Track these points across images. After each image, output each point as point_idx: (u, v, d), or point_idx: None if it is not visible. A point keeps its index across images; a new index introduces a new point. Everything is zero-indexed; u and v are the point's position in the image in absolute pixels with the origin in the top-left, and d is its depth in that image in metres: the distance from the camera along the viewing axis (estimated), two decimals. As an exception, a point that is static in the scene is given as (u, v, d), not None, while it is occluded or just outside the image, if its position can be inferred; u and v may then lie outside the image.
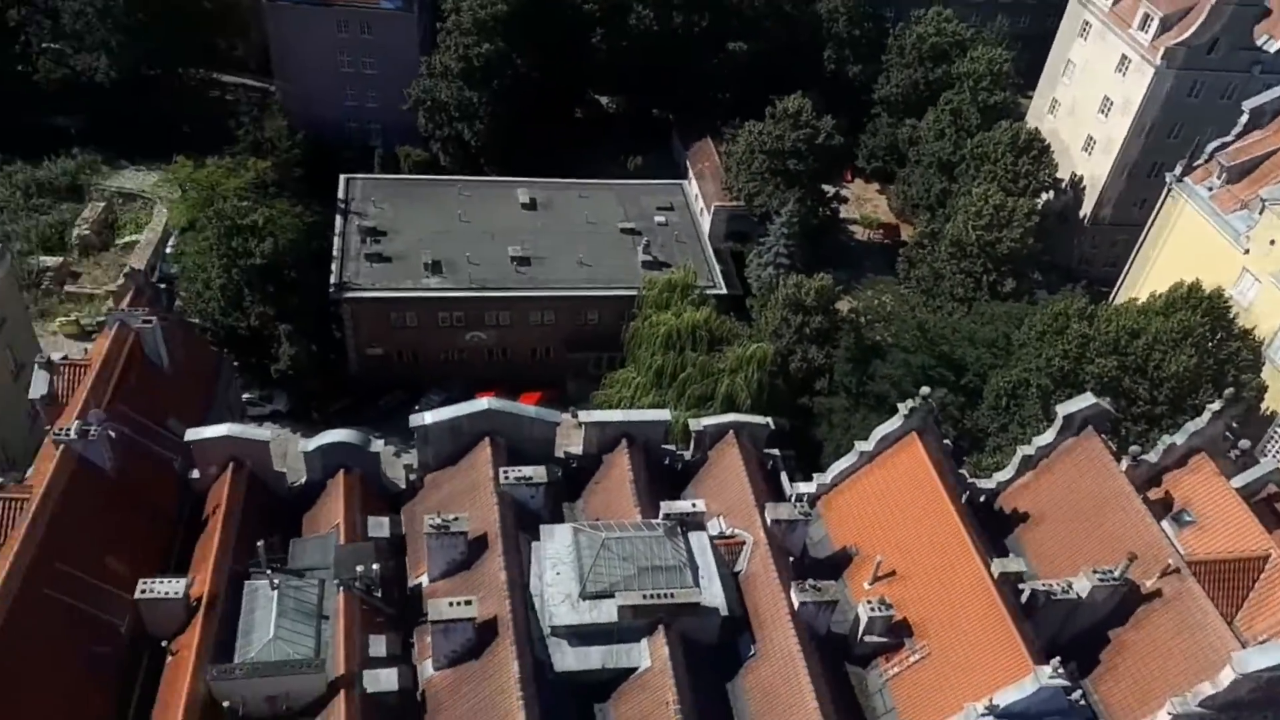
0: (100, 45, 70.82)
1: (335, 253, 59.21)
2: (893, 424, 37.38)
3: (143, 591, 31.08)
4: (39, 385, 39.17)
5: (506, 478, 34.95)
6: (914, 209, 77.03)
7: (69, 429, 34.02)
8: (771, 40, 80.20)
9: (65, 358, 40.21)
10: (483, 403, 37.26)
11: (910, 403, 37.07)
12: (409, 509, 37.10)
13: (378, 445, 37.80)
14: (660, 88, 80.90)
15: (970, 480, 39.17)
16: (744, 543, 34.81)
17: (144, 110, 72.26)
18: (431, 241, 60.80)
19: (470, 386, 56.03)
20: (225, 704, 30.05)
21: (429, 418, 36.97)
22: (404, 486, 38.09)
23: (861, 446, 37.88)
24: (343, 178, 65.23)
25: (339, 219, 61.79)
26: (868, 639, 32.93)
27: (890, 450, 37.34)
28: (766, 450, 40.25)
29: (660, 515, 34.14)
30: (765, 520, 34.95)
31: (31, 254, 65.00)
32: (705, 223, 70.06)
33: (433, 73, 70.43)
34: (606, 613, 31.47)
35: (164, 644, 31.69)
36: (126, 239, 68.72)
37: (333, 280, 57.54)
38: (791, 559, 35.35)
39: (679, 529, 33.83)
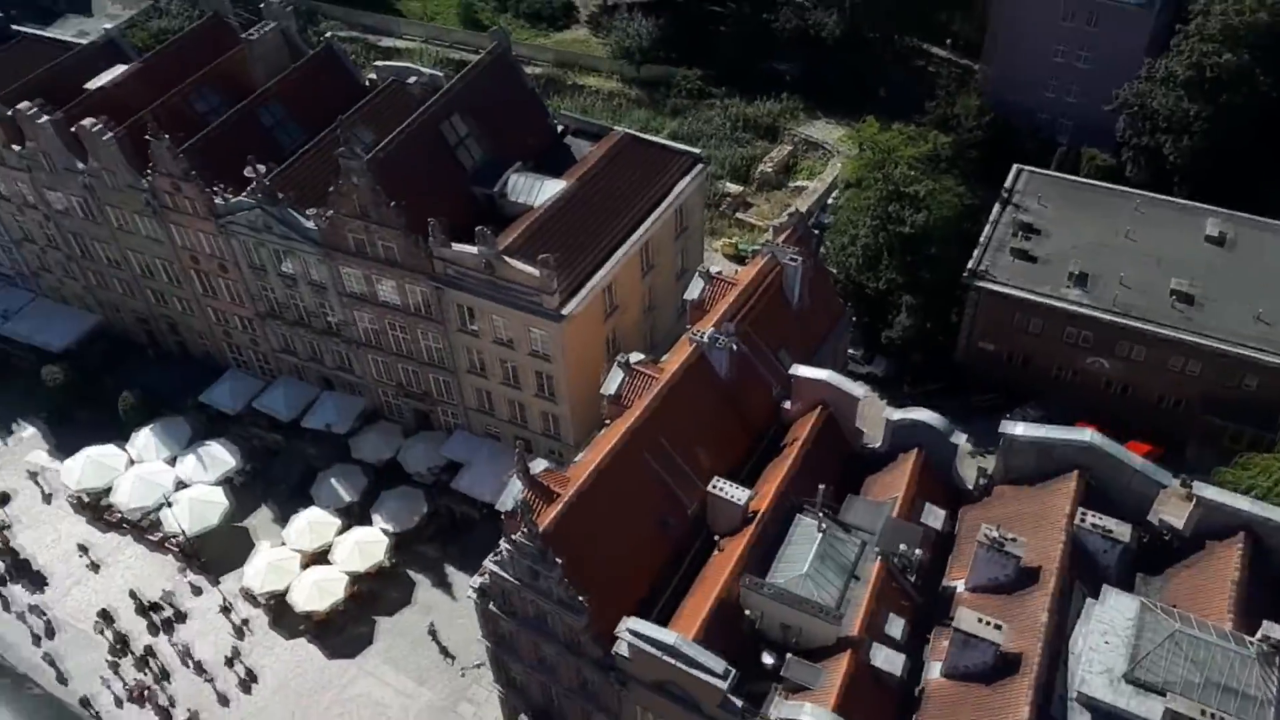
0: (836, 3, 77.06)
1: (982, 239, 58.02)
2: None
3: (715, 488, 34.72)
4: (694, 289, 44.96)
5: (1084, 520, 31.79)
6: None
7: (704, 333, 38.77)
8: None
9: (719, 273, 45.50)
10: (1085, 434, 34.17)
11: None
12: (968, 511, 35.84)
13: (958, 438, 36.95)
14: None
15: None
16: (1366, 714, 27.39)
17: (851, 68, 77.46)
18: (1085, 252, 56.34)
19: (1071, 411, 51.50)
20: (746, 611, 32.53)
21: (1021, 429, 35.14)
22: (970, 487, 36.84)
23: None
24: (1015, 167, 63.15)
25: (997, 207, 60.21)
26: None
27: None
28: None
29: (1259, 634, 28.33)
30: None
31: (721, 178, 74.45)
32: None
33: (1152, 77, 64.03)
34: (1149, 709, 27.35)
35: (715, 538, 35.19)
36: (799, 182, 75.12)
37: (970, 265, 56.64)
38: None
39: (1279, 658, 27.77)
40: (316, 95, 54.68)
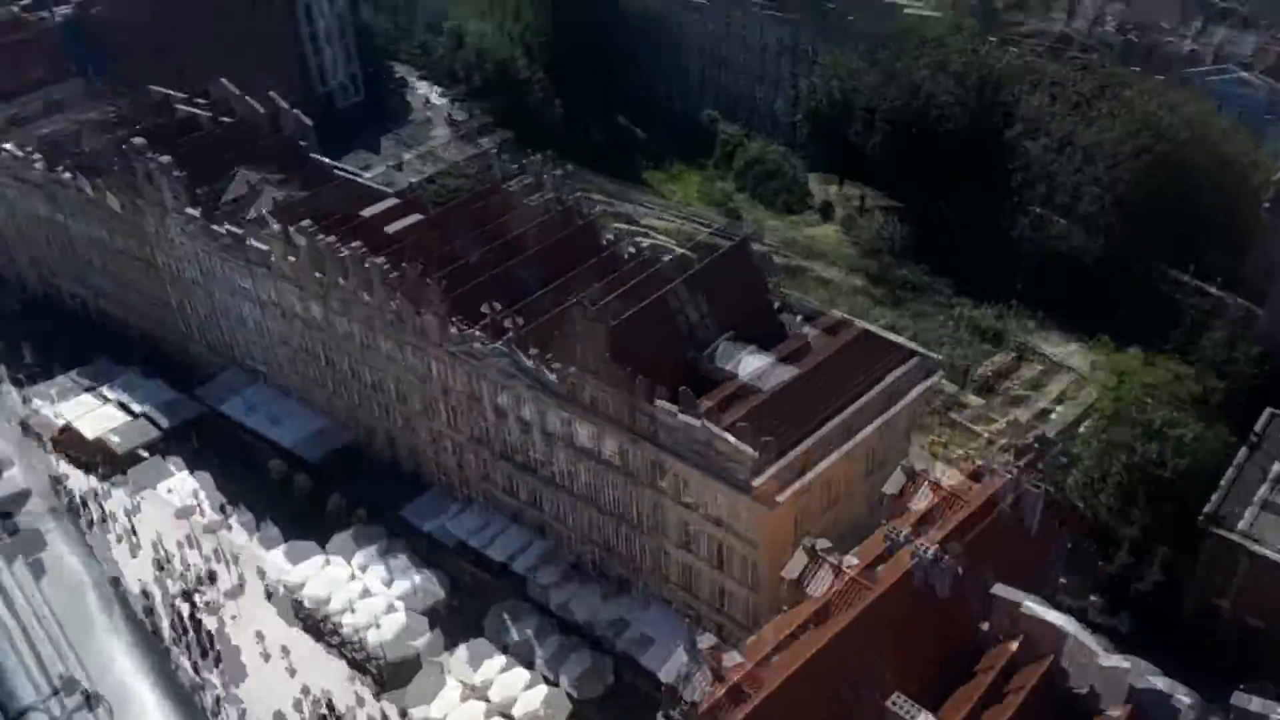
0: (1086, 219, 74.78)
1: (1222, 482, 53.01)
2: None
3: (893, 704, 32.18)
4: (894, 483, 42.93)
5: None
6: None
7: (927, 551, 36.00)
8: None
9: (923, 470, 43.47)
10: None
11: None
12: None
13: (1180, 700, 32.76)
14: None
15: None
16: None
17: (1091, 284, 74.56)
18: (1348, 513, 50.35)
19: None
20: None
21: (1256, 707, 31.00)
22: (1196, 762, 32.40)
23: None
24: (1268, 412, 58.02)
25: (1244, 449, 55.21)
26: None
27: None
28: None
29: None
30: None
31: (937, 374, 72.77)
32: None
33: None
34: None
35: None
36: (1019, 392, 72.19)
37: (1206, 509, 51.59)
38: None
39: None
40: (566, 254, 58.27)
